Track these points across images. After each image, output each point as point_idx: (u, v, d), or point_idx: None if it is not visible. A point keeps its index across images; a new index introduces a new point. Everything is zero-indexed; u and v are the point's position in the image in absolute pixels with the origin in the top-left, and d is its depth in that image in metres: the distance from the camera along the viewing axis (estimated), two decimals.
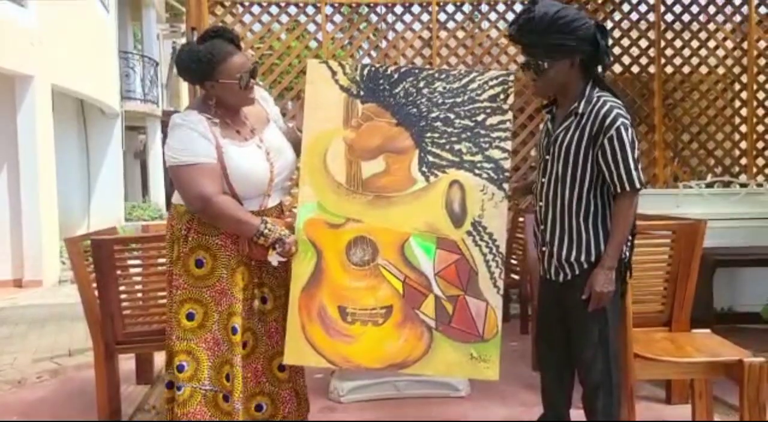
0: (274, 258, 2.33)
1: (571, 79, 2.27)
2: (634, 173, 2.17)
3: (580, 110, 2.23)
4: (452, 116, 2.50)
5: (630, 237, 2.29)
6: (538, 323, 2.63)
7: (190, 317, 2.36)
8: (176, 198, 2.44)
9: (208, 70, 2.30)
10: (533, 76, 2.31)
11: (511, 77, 2.52)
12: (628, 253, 2.30)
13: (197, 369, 2.35)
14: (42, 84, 7.82)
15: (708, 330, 2.83)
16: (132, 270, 3.18)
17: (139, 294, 3.21)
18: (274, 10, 5.04)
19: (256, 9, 5.04)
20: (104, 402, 2.94)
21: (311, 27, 5.08)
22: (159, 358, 3.74)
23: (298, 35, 5.31)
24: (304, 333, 2.39)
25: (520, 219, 4.42)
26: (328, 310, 2.40)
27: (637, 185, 2.18)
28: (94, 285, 2.97)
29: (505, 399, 3.19)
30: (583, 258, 2.25)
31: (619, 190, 2.19)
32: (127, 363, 3.45)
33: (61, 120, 8.77)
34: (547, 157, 2.33)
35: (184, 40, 18.77)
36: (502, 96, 2.48)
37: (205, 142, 2.30)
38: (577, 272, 2.27)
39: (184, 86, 20.23)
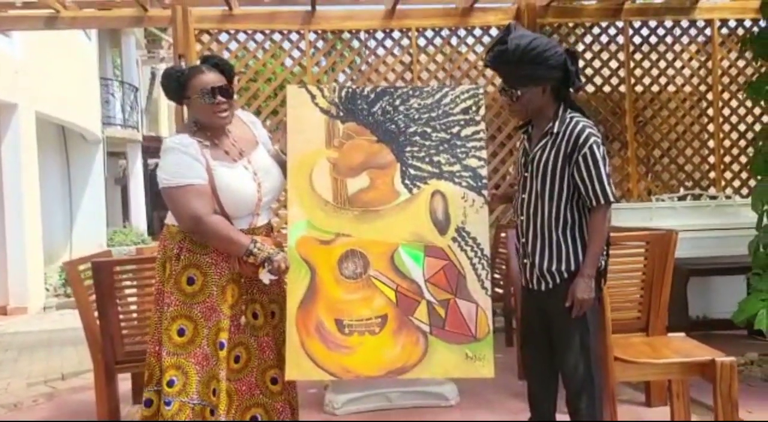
0: (265, 277, 2.42)
1: (544, 102, 2.45)
2: (607, 187, 2.34)
3: (554, 130, 2.40)
4: (429, 130, 2.66)
5: (605, 248, 2.45)
6: (522, 331, 2.77)
7: (180, 333, 2.43)
8: (169, 219, 2.54)
9: (179, 86, 2.46)
10: (509, 101, 2.49)
11: (481, 90, 2.71)
12: (603, 262, 2.46)
13: (186, 384, 2.41)
14: (26, 112, 7.89)
15: (683, 334, 2.99)
16: (127, 292, 3.27)
17: (135, 315, 3.29)
18: (259, 37, 5.20)
19: (241, 36, 5.19)
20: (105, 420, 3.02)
21: (295, 53, 5.24)
22: None
23: (282, 61, 5.47)
24: (304, 348, 2.49)
25: (502, 234, 4.57)
26: (325, 324, 2.52)
27: (611, 198, 2.35)
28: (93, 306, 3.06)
29: (493, 408, 3.32)
30: (563, 268, 2.40)
31: (594, 203, 2.36)
32: (123, 384, 3.51)
33: (43, 147, 8.80)
34: (526, 174, 2.49)
35: (162, 65, 18.91)
36: (474, 108, 2.66)
37: (197, 164, 2.41)
38: (557, 281, 2.42)
39: (163, 111, 20.32)
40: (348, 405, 3.30)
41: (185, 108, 2.74)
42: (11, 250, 7.66)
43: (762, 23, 4.97)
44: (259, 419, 2.56)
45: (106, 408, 3.01)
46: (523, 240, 2.51)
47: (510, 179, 5.22)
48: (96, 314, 3.03)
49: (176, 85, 2.46)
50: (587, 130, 2.35)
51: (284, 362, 2.52)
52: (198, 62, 2.69)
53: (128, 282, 3.24)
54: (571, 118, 2.40)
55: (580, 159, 2.34)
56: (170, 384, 2.39)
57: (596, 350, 2.45)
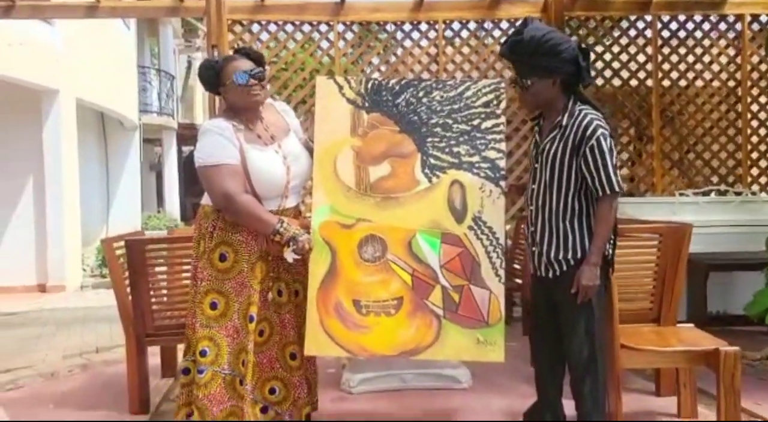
0: (289, 255, 2.57)
1: (554, 94, 2.53)
2: (613, 178, 2.41)
3: (563, 122, 2.48)
4: (450, 122, 2.76)
5: (612, 237, 2.52)
6: (531, 317, 2.86)
7: (213, 306, 2.60)
8: (204, 199, 2.71)
9: (215, 74, 2.64)
10: (519, 91, 2.57)
11: (502, 85, 2.79)
12: (610, 251, 2.53)
13: (218, 355, 2.57)
14: (67, 98, 8.19)
15: (692, 325, 3.05)
16: (158, 269, 3.45)
17: (164, 292, 3.46)
18: (289, 28, 5.33)
19: (272, 27, 5.33)
20: (135, 391, 3.20)
21: (324, 44, 5.36)
22: (181, 354, 4.00)
23: (311, 52, 5.60)
24: (323, 326, 2.63)
25: (523, 226, 4.65)
26: (344, 304, 2.65)
27: (617, 188, 2.42)
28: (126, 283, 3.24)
29: (504, 392, 3.41)
30: (569, 256, 2.49)
31: (600, 193, 2.44)
32: (152, 358, 3.69)
33: (82, 132, 9.12)
34: (536, 165, 2.58)
35: (199, 55, 19.27)
36: (495, 102, 2.75)
37: (230, 145, 2.57)
38: (564, 269, 2.50)
39: (198, 99, 20.70)
40: (364, 384, 3.43)
41: (219, 98, 2.91)
42: (51, 231, 7.99)
43: None
44: (277, 391, 2.72)
45: (137, 379, 3.20)
46: (533, 229, 2.60)
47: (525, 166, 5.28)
48: (128, 290, 3.21)
49: (212, 73, 2.64)
50: (595, 122, 2.43)
51: (303, 339, 2.66)
52: (231, 52, 2.86)
53: (160, 261, 3.41)
54: (580, 111, 2.48)
55: (588, 150, 2.42)
56: (203, 354, 2.56)
57: (601, 336, 2.53)
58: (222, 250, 2.62)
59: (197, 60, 20.16)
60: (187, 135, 16.18)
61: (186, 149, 17.27)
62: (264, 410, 2.68)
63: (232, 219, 2.59)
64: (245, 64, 2.62)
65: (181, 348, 3.89)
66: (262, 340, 2.67)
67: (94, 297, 7.49)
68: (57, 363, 4.29)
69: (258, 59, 2.70)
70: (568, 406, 2.70)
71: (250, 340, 2.57)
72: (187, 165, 16.67)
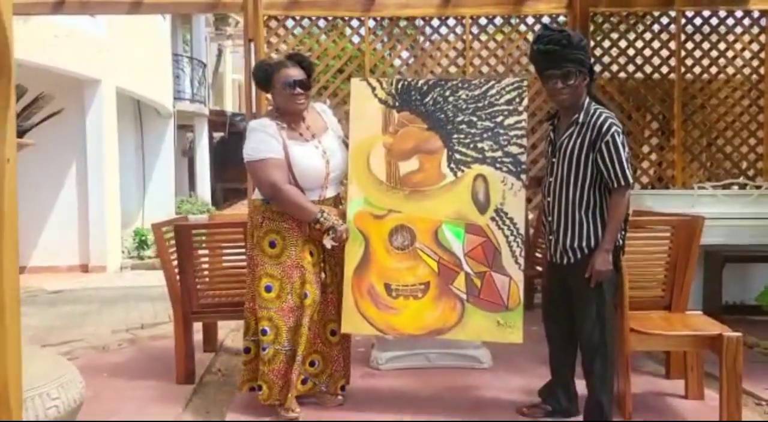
0: (327, 242, 2.86)
1: (582, 91, 2.73)
2: (627, 171, 2.62)
3: (580, 120, 2.69)
4: (475, 119, 2.97)
5: (624, 226, 2.72)
6: (545, 301, 3.08)
7: (268, 289, 2.88)
8: (254, 193, 3.00)
9: (267, 77, 2.92)
10: (562, 85, 2.66)
11: (525, 83, 2.99)
12: (621, 240, 2.73)
13: (277, 334, 2.87)
14: (108, 87, 8.54)
15: (700, 312, 3.23)
16: (200, 252, 3.73)
17: (206, 272, 3.74)
18: (322, 23, 5.56)
19: (306, 22, 5.56)
20: (182, 363, 3.50)
21: (355, 39, 5.58)
22: (222, 331, 4.30)
23: (343, 46, 5.82)
24: (357, 307, 2.90)
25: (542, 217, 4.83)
26: (376, 287, 2.91)
27: (630, 180, 2.63)
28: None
29: (522, 372, 3.63)
30: (584, 244, 2.70)
31: (615, 185, 2.64)
32: (195, 335, 3.99)
33: (120, 120, 9.49)
34: (553, 160, 2.78)
35: (229, 43, 19.59)
36: (517, 99, 2.95)
37: (274, 142, 2.85)
38: (578, 256, 2.71)
39: (228, 87, 21.07)
40: (391, 362, 3.69)
41: (258, 92, 3.18)
42: (92, 214, 8.39)
43: None
44: (316, 364, 3.00)
45: (184, 352, 3.49)
46: (550, 218, 2.81)
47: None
48: (176, 270, 3.50)
49: (264, 75, 2.93)
50: (609, 121, 2.63)
51: (341, 318, 2.94)
52: (283, 57, 3.15)
53: (203, 245, 3.70)
54: (595, 110, 2.68)
55: (603, 146, 2.62)
56: (264, 333, 2.87)
57: (611, 320, 2.74)
58: (271, 238, 2.89)
59: (228, 47, 20.54)
60: (218, 121, 16.55)
61: (216, 135, 17.67)
62: (304, 381, 2.97)
63: (279, 208, 2.87)
64: (295, 72, 2.87)
65: (221, 325, 4.22)
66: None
67: (134, 278, 7.88)
68: (106, 337, 4.62)
69: (307, 66, 2.96)
70: (580, 385, 2.91)
71: (307, 315, 2.84)
72: (217, 151, 17.07)
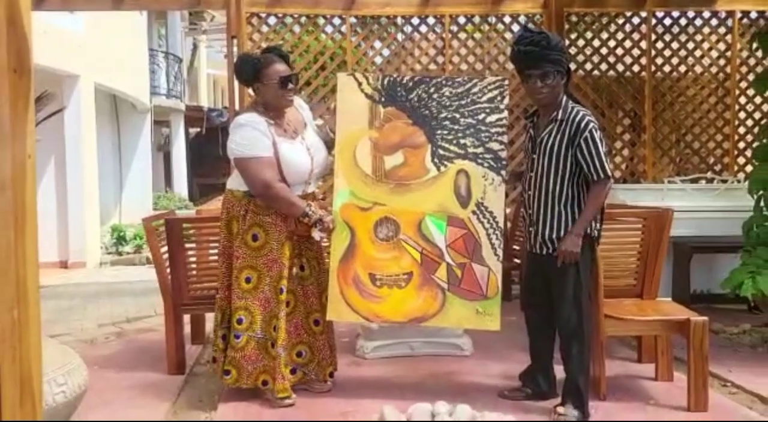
0: (316, 234, 2.97)
1: (559, 90, 2.88)
2: (606, 165, 2.78)
3: (559, 117, 2.84)
4: (458, 116, 3.10)
5: (600, 217, 2.88)
6: (524, 289, 3.23)
7: (247, 281, 2.98)
8: (231, 184, 3.05)
9: (255, 72, 2.95)
10: (541, 84, 2.79)
11: (506, 82, 3.13)
12: (597, 231, 2.89)
13: (252, 322, 2.96)
14: (86, 83, 8.52)
15: (669, 299, 3.41)
16: (188, 245, 3.80)
17: (194, 266, 3.82)
18: (304, 20, 5.65)
19: (288, 20, 5.64)
20: (173, 354, 3.58)
21: (337, 36, 5.67)
22: (209, 324, 4.37)
23: (324, 43, 5.91)
24: (343, 295, 3.02)
25: (522, 210, 4.99)
26: (360, 277, 3.03)
27: (609, 173, 2.78)
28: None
29: (502, 358, 3.78)
30: (562, 235, 2.84)
31: (594, 178, 2.79)
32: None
33: (98, 115, 9.45)
34: (534, 155, 2.93)
35: (204, 38, 19.43)
36: (498, 98, 3.09)
37: (265, 139, 2.93)
38: (557, 247, 2.86)
39: (203, 82, 20.92)
40: (376, 351, 3.81)
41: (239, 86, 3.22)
42: (71, 210, 8.38)
43: None
44: (304, 354, 3.11)
45: (174, 343, 3.57)
46: (530, 211, 2.96)
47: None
48: (167, 263, 3.58)
49: (252, 70, 2.95)
50: (587, 118, 2.80)
51: (325, 307, 3.05)
52: (260, 50, 3.20)
53: (192, 238, 3.78)
54: (573, 108, 2.83)
55: (582, 142, 2.77)
56: (239, 322, 2.95)
57: (587, 306, 2.90)
58: (254, 231, 2.98)
59: (202, 42, 20.39)
60: (194, 117, 16.47)
61: (192, 131, 17.57)
62: (293, 371, 3.08)
63: (266, 204, 2.95)
64: (283, 69, 2.95)
65: (209, 317, 4.29)
66: (289, 310, 3.05)
67: (114, 274, 7.89)
68: (93, 331, 4.67)
69: (287, 59, 3.04)
70: (558, 369, 3.07)
71: (281, 309, 2.95)
72: (194, 146, 16.98)
